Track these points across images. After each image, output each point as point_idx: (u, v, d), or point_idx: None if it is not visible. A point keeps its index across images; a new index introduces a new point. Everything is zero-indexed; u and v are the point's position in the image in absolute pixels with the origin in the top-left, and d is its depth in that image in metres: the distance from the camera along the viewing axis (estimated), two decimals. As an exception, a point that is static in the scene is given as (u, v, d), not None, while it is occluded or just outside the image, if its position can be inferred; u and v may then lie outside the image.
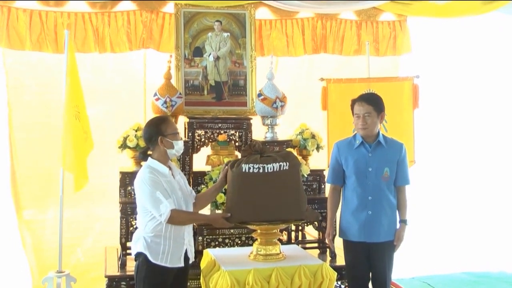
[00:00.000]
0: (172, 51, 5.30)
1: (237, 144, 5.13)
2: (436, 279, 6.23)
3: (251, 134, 5.17)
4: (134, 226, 4.58)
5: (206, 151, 5.16)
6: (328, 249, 5.11)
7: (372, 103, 4.06)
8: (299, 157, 5.09)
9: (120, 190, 4.86)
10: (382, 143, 4.10)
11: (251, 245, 4.05)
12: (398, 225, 4.15)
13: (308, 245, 5.28)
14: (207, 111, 5.25)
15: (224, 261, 3.77)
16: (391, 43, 6.34)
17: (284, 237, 5.09)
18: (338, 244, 4.38)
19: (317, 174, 5.25)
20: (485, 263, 6.56)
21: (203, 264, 4.02)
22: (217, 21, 5.35)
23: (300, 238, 5.46)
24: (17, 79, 5.49)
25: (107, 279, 4.57)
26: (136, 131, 4.93)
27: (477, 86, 6.67)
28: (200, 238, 4.67)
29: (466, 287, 6.10)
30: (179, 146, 3.69)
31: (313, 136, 5.29)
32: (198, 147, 5.09)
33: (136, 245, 3.66)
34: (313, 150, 5.30)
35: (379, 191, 4.06)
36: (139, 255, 3.64)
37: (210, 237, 4.70)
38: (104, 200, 5.55)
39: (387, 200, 4.09)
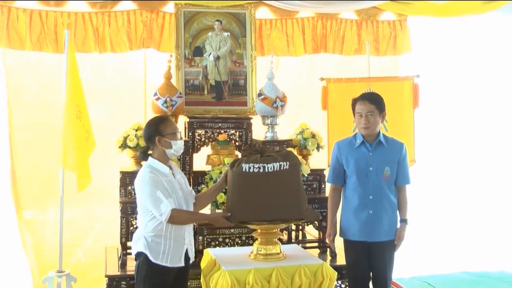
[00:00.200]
0: (173, 50, 5.30)
1: (237, 143, 5.13)
2: (436, 278, 6.23)
3: (251, 134, 5.17)
4: (135, 226, 4.58)
5: (206, 150, 5.16)
6: (328, 249, 5.10)
7: (374, 102, 4.06)
8: (299, 157, 5.10)
9: (120, 190, 4.86)
10: (382, 143, 4.10)
11: (252, 244, 4.05)
12: (398, 225, 4.15)
13: (308, 245, 5.28)
14: (207, 111, 5.25)
15: (224, 260, 3.77)
16: (391, 43, 6.34)
17: (285, 237, 5.09)
18: (338, 243, 4.38)
19: (317, 174, 5.25)
20: (485, 263, 6.56)
21: (203, 263, 4.02)
22: (217, 20, 5.35)
23: (300, 238, 5.47)
24: (17, 79, 5.49)
25: (107, 278, 4.57)
26: (136, 130, 4.94)
27: (477, 85, 6.67)
28: (200, 237, 4.66)
29: (466, 287, 6.10)
30: (177, 146, 3.69)
31: (313, 136, 5.29)
32: (198, 146, 5.09)
33: (137, 245, 3.66)
34: (313, 150, 5.30)
35: (379, 191, 4.06)
36: (139, 255, 3.64)
37: (211, 236, 4.70)
38: (104, 200, 5.55)
39: (388, 199, 4.09)
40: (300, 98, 6.15)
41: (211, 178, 4.78)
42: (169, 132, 3.66)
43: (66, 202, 5.06)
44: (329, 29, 6.20)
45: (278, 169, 3.74)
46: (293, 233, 5.37)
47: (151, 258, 3.58)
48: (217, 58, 5.34)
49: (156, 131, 3.67)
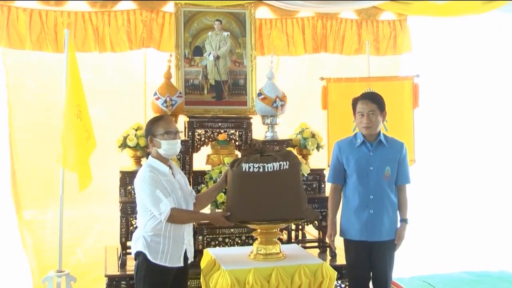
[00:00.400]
0: (172, 50, 5.30)
1: (237, 143, 5.13)
2: (436, 278, 6.23)
3: (251, 134, 5.17)
4: (134, 226, 4.58)
5: (206, 150, 5.15)
6: (328, 249, 5.11)
7: (376, 101, 4.07)
8: (299, 157, 5.09)
9: (120, 190, 4.86)
10: (383, 142, 4.11)
11: (251, 244, 4.05)
12: (398, 224, 4.15)
13: (308, 245, 5.28)
14: (207, 111, 5.25)
15: (224, 260, 3.76)
16: (392, 43, 6.34)
17: (284, 237, 5.09)
18: (338, 243, 4.38)
19: (317, 174, 5.25)
20: (485, 262, 6.56)
21: (203, 263, 4.02)
22: (217, 20, 5.35)
23: (300, 238, 5.47)
24: (17, 79, 5.49)
25: (107, 278, 4.57)
26: (136, 130, 4.94)
27: (477, 85, 6.67)
28: (200, 237, 4.66)
29: (466, 286, 6.10)
30: (166, 146, 3.66)
31: (313, 136, 5.29)
32: (198, 146, 5.09)
33: (136, 244, 3.66)
34: (313, 150, 5.30)
35: (380, 190, 4.06)
36: (138, 254, 3.64)
37: (210, 236, 4.70)
38: (104, 200, 5.55)
39: (389, 199, 4.09)
40: (300, 98, 6.16)
41: (211, 178, 4.78)
42: (160, 132, 3.66)
43: (66, 202, 5.06)
44: (329, 28, 6.20)
45: (278, 168, 3.74)
46: (293, 233, 5.37)
47: (150, 257, 3.58)
48: (217, 57, 5.33)
49: (149, 131, 3.71)
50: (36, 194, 5.50)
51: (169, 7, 5.60)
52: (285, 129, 5.47)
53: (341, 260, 4.79)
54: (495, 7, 6.33)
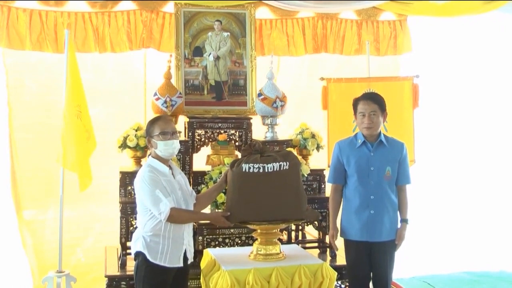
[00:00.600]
0: (172, 50, 5.30)
1: (237, 143, 5.13)
2: (436, 278, 6.22)
3: (251, 134, 5.17)
4: (134, 226, 4.58)
5: (206, 150, 5.16)
6: (328, 249, 5.11)
7: (377, 102, 4.07)
8: (299, 157, 5.09)
9: (120, 190, 4.86)
10: (383, 143, 4.11)
11: (251, 244, 4.05)
12: (399, 225, 4.15)
13: (308, 245, 5.29)
14: (207, 111, 5.25)
15: (224, 260, 3.77)
16: (392, 43, 6.34)
17: (284, 237, 5.09)
18: (338, 243, 4.38)
19: (317, 174, 5.25)
20: (485, 263, 6.55)
21: (203, 263, 4.02)
22: (217, 20, 5.35)
23: (300, 238, 5.47)
24: (17, 79, 5.48)
25: (107, 279, 4.57)
26: (136, 130, 4.94)
27: (477, 85, 6.67)
28: (200, 237, 4.66)
29: (466, 287, 6.09)
30: (162, 147, 3.67)
31: (313, 136, 5.29)
32: (198, 146, 5.09)
33: (136, 245, 3.66)
34: (313, 150, 5.30)
35: (381, 190, 4.06)
36: (138, 255, 3.65)
37: (210, 236, 4.70)
38: (104, 200, 5.55)
39: (389, 199, 4.09)
40: (300, 98, 6.16)
41: (211, 178, 4.78)
42: (156, 132, 3.68)
43: (66, 202, 5.06)
44: (329, 29, 6.19)
45: (278, 169, 3.74)
46: (293, 233, 5.37)
47: (149, 258, 3.58)
48: (217, 58, 5.34)
49: (147, 131, 3.74)
50: (36, 194, 5.50)
51: (169, 8, 5.60)
52: (286, 129, 5.48)
53: (341, 260, 4.80)
54: (495, 7, 6.33)
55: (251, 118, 5.22)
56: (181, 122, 5.25)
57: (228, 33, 5.37)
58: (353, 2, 6.09)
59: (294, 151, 5.00)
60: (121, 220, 4.74)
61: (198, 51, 5.32)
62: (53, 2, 5.39)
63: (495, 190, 6.70)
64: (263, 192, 3.71)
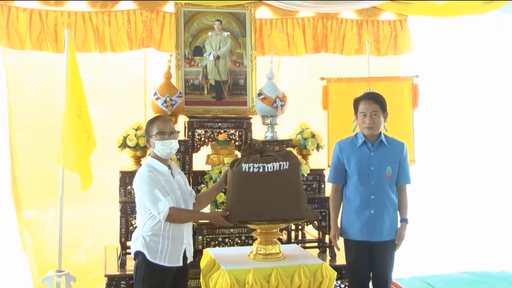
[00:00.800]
0: (173, 50, 5.30)
1: (237, 143, 5.13)
2: (436, 278, 6.22)
3: (251, 134, 5.17)
4: (134, 226, 4.58)
5: (206, 150, 5.15)
6: (328, 249, 5.11)
7: (378, 102, 4.07)
8: (299, 157, 5.09)
9: (120, 190, 4.86)
10: (384, 142, 4.11)
11: (251, 244, 4.05)
12: (399, 224, 4.15)
13: (308, 245, 5.29)
14: (207, 111, 5.25)
15: (224, 260, 3.76)
16: (392, 43, 6.34)
17: (284, 237, 5.09)
18: (338, 243, 4.37)
19: (317, 174, 5.25)
20: (485, 263, 6.55)
21: (203, 263, 4.02)
22: (217, 20, 5.35)
23: (300, 238, 5.47)
24: (17, 79, 5.48)
25: (106, 278, 4.57)
26: (136, 130, 4.94)
27: (477, 85, 6.68)
28: (200, 237, 4.66)
29: (466, 287, 6.09)
30: (159, 147, 3.67)
31: (313, 136, 5.29)
32: (198, 146, 5.09)
33: (135, 244, 3.67)
34: (313, 150, 5.30)
35: (381, 190, 4.06)
36: (137, 254, 3.65)
37: (210, 236, 4.70)
38: (104, 200, 5.54)
39: (389, 199, 4.09)
40: (300, 98, 6.16)
41: (210, 178, 4.78)
42: (154, 132, 3.68)
43: (66, 202, 5.06)
44: (329, 29, 6.20)
45: (277, 169, 3.74)
46: (293, 233, 5.37)
47: (148, 257, 3.58)
48: (217, 57, 5.34)
49: (146, 131, 3.76)
50: (36, 194, 5.50)
51: (169, 7, 5.60)
52: (286, 129, 5.48)
53: (340, 260, 4.80)
54: (495, 7, 6.33)
55: (251, 118, 5.22)
56: (181, 122, 5.25)
57: (228, 33, 5.37)
58: (353, 2, 6.09)
59: (294, 151, 4.99)
60: (121, 220, 4.74)
61: (198, 51, 5.32)
62: (53, 2, 5.39)
63: (495, 190, 6.69)
64: (263, 192, 3.71)
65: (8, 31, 5.32)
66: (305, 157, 5.28)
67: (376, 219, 4.05)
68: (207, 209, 4.59)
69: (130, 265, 4.20)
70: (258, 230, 3.86)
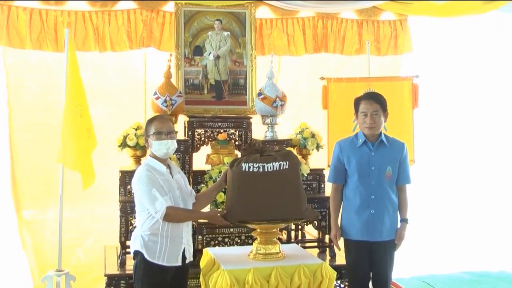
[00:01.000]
0: (173, 50, 5.30)
1: (237, 143, 5.13)
2: (436, 278, 6.22)
3: (251, 133, 5.17)
4: (134, 225, 4.58)
5: (206, 150, 5.15)
6: (327, 249, 5.11)
7: (379, 102, 4.08)
8: (299, 156, 5.09)
9: (120, 189, 4.86)
10: (384, 142, 4.11)
11: (251, 244, 4.05)
12: (399, 224, 4.15)
13: (307, 244, 5.28)
14: (207, 110, 5.25)
15: (223, 260, 3.76)
16: (392, 43, 6.34)
17: (284, 236, 5.08)
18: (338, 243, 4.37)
19: (317, 174, 5.25)
20: (485, 262, 6.55)
21: (202, 263, 4.02)
22: (217, 20, 5.35)
23: (299, 237, 5.46)
24: (17, 79, 5.48)
25: (106, 278, 4.57)
26: (136, 130, 4.94)
27: (477, 85, 6.68)
28: (199, 237, 4.66)
29: (465, 287, 6.09)
30: (156, 147, 3.68)
31: (312, 135, 5.28)
32: (198, 146, 5.09)
33: (134, 244, 3.67)
34: (313, 149, 5.30)
35: (381, 190, 4.06)
36: (136, 254, 3.65)
37: (210, 236, 4.70)
38: (104, 200, 5.54)
39: (389, 199, 4.09)
40: (300, 97, 6.16)
41: (210, 178, 4.78)
42: (151, 132, 3.69)
43: (66, 202, 5.05)
44: (329, 28, 6.20)
45: (277, 168, 3.74)
46: (293, 233, 5.37)
47: (147, 257, 3.58)
48: (217, 57, 5.34)
49: (145, 131, 3.77)
50: (36, 194, 5.50)
51: (169, 7, 5.60)
52: (286, 129, 5.47)
53: (340, 260, 4.80)
54: (495, 7, 6.33)
55: (251, 118, 5.22)
56: (181, 121, 5.24)
57: (228, 33, 5.37)
58: (354, 2, 6.09)
59: (294, 151, 4.99)
60: (120, 219, 4.74)
61: (198, 51, 5.32)
62: (53, 2, 5.40)
63: (495, 190, 6.70)
64: (262, 192, 3.71)
65: (8, 30, 5.32)
66: (305, 157, 5.28)
67: (376, 219, 4.05)
68: (207, 209, 4.59)
69: (130, 264, 4.19)
70: (258, 230, 3.86)
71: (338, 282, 4.84)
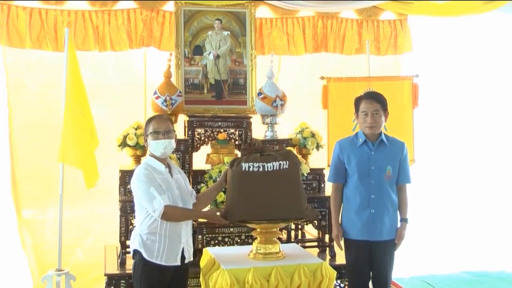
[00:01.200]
0: (173, 49, 5.30)
1: (237, 142, 5.13)
2: (436, 278, 6.22)
3: (251, 133, 5.17)
4: (134, 225, 4.57)
5: (206, 149, 5.15)
6: (327, 248, 5.11)
7: (380, 101, 4.07)
8: (299, 156, 5.09)
9: (120, 188, 4.86)
10: (384, 142, 4.10)
11: (251, 243, 4.04)
12: (398, 224, 4.15)
13: (307, 244, 5.28)
14: (207, 110, 5.25)
15: (223, 259, 3.76)
16: (392, 42, 6.34)
17: (284, 236, 5.08)
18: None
19: (317, 173, 5.25)
20: (485, 262, 6.55)
21: (202, 262, 4.01)
22: (217, 19, 5.35)
23: (299, 237, 5.46)
24: (17, 78, 5.49)
25: (106, 277, 4.57)
26: (136, 129, 4.94)
27: (477, 85, 6.68)
28: (199, 236, 4.66)
29: (465, 286, 6.09)
30: (153, 147, 3.68)
31: (312, 135, 5.28)
32: (198, 145, 5.09)
33: (133, 243, 3.67)
34: (312, 149, 5.30)
35: (381, 190, 4.06)
36: (135, 253, 3.65)
37: (210, 235, 4.70)
38: (104, 200, 5.54)
39: (389, 198, 4.08)
40: (301, 97, 6.16)
41: (210, 177, 4.77)
42: (149, 132, 3.69)
43: (66, 202, 5.05)
44: (329, 28, 6.20)
45: (277, 168, 3.73)
46: (293, 232, 5.36)
47: (145, 256, 3.58)
48: (217, 57, 5.34)
49: (144, 130, 3.77)
50: (36, 194, 5.50)
51: (169, 6, 5.60)
52: (286, 129, 5.47)
53: (340, 259, 4.80)
54: (495, 7, 6.33)
55: (251, 117, 5.22)
56: (181, 121, 5.24)
57: (228, 32, 5.37)
58: (354, 2, 6.10)
59: (294, 150, 4.99)
60: (120, 219, 4.74)
61: (198, 50, 5.32)
62: (53, 1, 5.40)
63: (495, 189, 6.69)
64: (262, 191, 3.70)
65: (8, 29, 5.32)
66: (305, 156, 5.28)
67: (376, 218, 4.04)
68: (207, 208, 4.59)
69: (130, 264, 4.18)
70: (258, 230, 3.85)
71: (338, 281, 4.84)
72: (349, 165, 4.12)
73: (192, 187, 4.06)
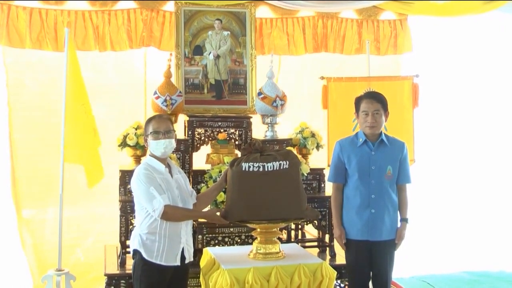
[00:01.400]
0: (173, 49, 5.30)
1: (237, 142, 5.13)
2: (436, 278, 6.22)
3: (251, 133, 5.17)
4: (134, 225, 4.57)
5: (206, 149, 5.15)
6: (327, 248, 5.11)
7: (380, 101, 4.07)
8: (299, 156, 5.09)
9: (120, 188, 4.86)
10: (385, 142, 4.10)
11: (251, 243, 4.05)
12: (399, 224, 4.15)
13: (307, 244, 5.28)
14: (207, 110, 5.26)
15: (223, 259, 3.76)
16: (392, 42, 6.34)
17: (284, 236, 5.08)
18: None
19: (317, 173, 5.25)
20: (485, 262, 6.55)
21: (202, 262, 4.02)
22: (217, 19, 5.35)
23: (299, 237, 5.46)
24: (17, 78, 5.48)
25: (106, 277, 4.57)
26: (136, 129, 4.94)
27: (477, 85, 6.68)
28: (199, 236, 4.66)
29: (465, 286, 6.09)
30: (153, 146, 3.68)
31: (312, 135, 5.29)
32: (198, 145, 5.09)
33: (133, 243, 3.67)
34: (313, 149, 5.30)
35: (381, 190, 4.06)
36: (135, 253, 3.65)
37: (210, 235, 4.70)
38: (104, 200, 5.54)
39: (390, 198, 4.08)
40: (301, 97, 6.16)
41: (210, 177, 4.77)
42: (149, 131, 3.69)
43: (66, 202, 5.05)
44: (329, 28, 6.20)
45: (277, 168, 3.73)
46: (293, 232, 5.36)
47: (145, 256, 3.58)
48: (217, 57, 5.34)
49: (144, 130, 3.77)
50: (36, 194, 5.50)
51: (170, 6, 5.60)
52: (286, 129, 5.47)
53: (340, 259, 4.80)
54: (495, 7, 6.33)
55: (251, 117, 5.22)
56: (181, 121, 5.24)
57: (228, 32, 5.37)
58: (354, 2, 6.10)
59: (294, 150, 4.99)
60: (120, 219, 4.74)
61: (198, 50, 5.32)
62: (53, 1, 5.40)
63: (495, 189, 6.70)
64: (262, 191, 3.71)
65: (8, 29, 5.32)
66: (305, 156, 5.28)
67: (376, 218, 4.04)
68: (207, 209, 4.59)
69: (130, 264, 4.18)
70: (258, 229, 3.86)
71: (338, 281, 4.84)
72: (349, 165, 4.12)
73: (192, 187, 4.06)
